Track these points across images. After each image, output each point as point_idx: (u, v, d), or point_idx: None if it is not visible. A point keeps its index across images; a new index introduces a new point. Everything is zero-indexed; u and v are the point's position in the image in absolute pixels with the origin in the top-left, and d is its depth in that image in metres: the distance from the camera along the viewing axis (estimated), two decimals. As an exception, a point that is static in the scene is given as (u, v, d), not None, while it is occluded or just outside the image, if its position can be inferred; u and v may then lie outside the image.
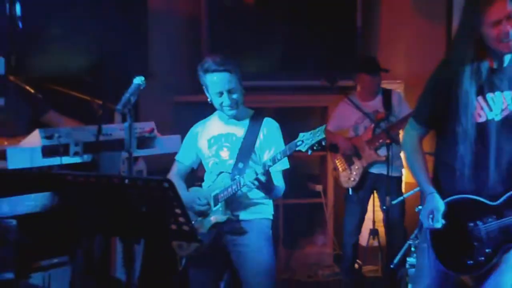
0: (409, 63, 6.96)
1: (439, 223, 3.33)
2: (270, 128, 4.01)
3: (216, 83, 3.90)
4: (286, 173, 6.77)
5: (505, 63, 3.34)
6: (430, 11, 7.01)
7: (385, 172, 5.69)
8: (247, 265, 3.94)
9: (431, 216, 3.35)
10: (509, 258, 3.41)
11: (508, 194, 3.36)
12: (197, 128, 4.22)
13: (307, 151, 3.55)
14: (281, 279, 6.41)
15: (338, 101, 6.23)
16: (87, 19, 6.04)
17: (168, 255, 4.21)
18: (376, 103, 6.00)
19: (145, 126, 4.55)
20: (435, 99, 3.41)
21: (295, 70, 6.95)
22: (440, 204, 3.36)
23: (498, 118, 3.33)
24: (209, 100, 4.02)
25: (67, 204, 3.41)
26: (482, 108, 3.32)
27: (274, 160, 3.67)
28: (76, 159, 4.09)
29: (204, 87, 4.01)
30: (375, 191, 6.15)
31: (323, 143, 3.54)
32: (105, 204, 3.16)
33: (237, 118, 4.04)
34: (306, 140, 3.55)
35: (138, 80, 3.58)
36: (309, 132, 3.56)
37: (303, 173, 7.31)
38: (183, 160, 4.23)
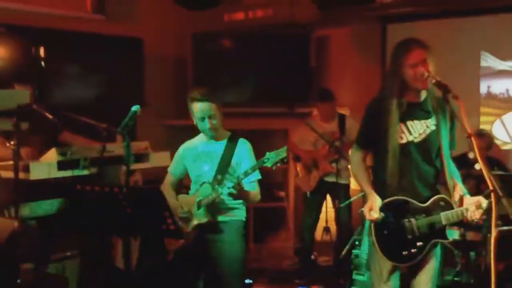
0: (353, 94, 7.01)
1: (377, 214, 3.37)
2: (243, 147, 4.00)
3: (199, 110, 3.88)
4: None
5: (422, 98, 3.46)
6: (368, 54, 7.08)
7: (335, 180, 5.73)
8: (223, 257, 3.91)
9: (371, 209, 3.39)
10: (434, 255, 3.51)
11: (434, 197, 3.43)
12: (185, 146, 4.18)
13: (272, 167, 3.59)
14: (251, 268, 6.40)
15: (296, 125, 6.26)
16: (96, 60, 6.09)
17: (159, 249, 4.19)
18: (333, 125, 6.02)
19: (141, 145, 4.56)
20: (370, 128, 3.52)
21: (262, 99, 6.97)
22: (377, 200, 3.42)
23: (416, 140, 3.43)
24: (194, 123, 4.00)
25: (77, 208, 3.40)
26: (403, 132, 3.42)
27: (245, 174, 3.68)
28: (85, 172, 4.09)
29: (190, 112, 3.98)
30: (328, 195, 6.15)
31: (285, 161, 3.57)
32: (107, 208, 3.16)
33: (217, 138, 4.01)
34: (271, 158, 3.58)
35: (135, 108, 3.61)
36: (274, 152, 3.59)
37: (269, 181, 7.32)
38: (174, 172, 4.19)
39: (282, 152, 3.57)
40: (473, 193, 4.98)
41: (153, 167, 4.73)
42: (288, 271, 6.40)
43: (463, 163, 5.36)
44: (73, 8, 6.14)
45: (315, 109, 6.32)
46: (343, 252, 5.25)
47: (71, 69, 6.09)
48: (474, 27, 6.42)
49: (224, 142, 4.02)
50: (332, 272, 5.92)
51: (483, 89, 6.43)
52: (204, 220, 3.87)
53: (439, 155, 3.45)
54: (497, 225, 4.58)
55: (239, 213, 4.04)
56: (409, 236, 3.40)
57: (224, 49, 7.21)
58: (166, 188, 4.09)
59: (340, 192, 5.84)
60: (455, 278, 5.15)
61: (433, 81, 3.33)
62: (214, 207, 3.88)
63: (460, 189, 3.50)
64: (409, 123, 3.43)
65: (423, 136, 3.44)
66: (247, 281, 5.31)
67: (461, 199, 3.46)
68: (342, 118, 6.03)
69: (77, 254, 4.40)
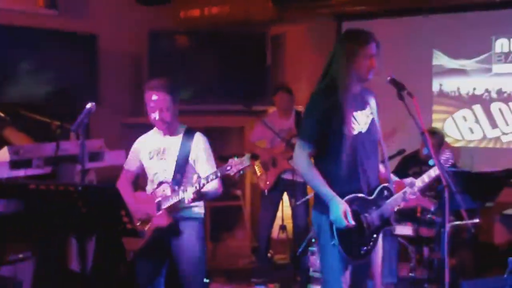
0: (309, 91, 6.95)
1: (352, 221, 3.27)
2: (200, 142, 3.92)
3: (151, 100, 3.80)
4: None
5: (358, 90, 3.47)
6: (324, 51, 7.09)
7: (292, 178, 5.75)
8: (183, 256, 3.87)
9: (346, 217, 3.27)
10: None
11: (378, 188, 3.45)
12: (140, 141, 4.08)
13: (234, 175, 3.54)
14: (208, 267, 6.38)
15: (253, 123, 6.27)
16: (49, 56, 5.99)
17: (116, 249, 4.14)
18: (290, 122, 6.04)
19: (95, 143, 4.49)
20: (319, 122, 3.38)
21: (219, 97, 6.96)
22: (346, 205, 3.30)
23: (364, 130, 3.44)
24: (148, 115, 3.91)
25: (30, 208, 3.33)
26: (353, 123, 3.40)
27: (207, 179, 3.62)
28: (38, 171, 4.01)
29: (145, 103, 3.88)
30: (285, 193, 6.16)
31: (248, 169, 3.60)
32: (62, 207, 3.10)
33: (171, 133, 3.92)
34: (234, 166, 3.53)
35: (89, 105, 3.54)
36: (237, 159, 3.53)
37: (225, 180, 7.30)
38: (129, 167, 4.07)
39: (245, 161, 3.52)
40: (426, 189, 5.11)
41: (108, 166, 4.67)
42: (245, 270, 6.41)
43: (416, 160, 5.47)
44: (24, 3, 6.01)
45: (272, 107, 6.33)
46: (300, 250, 5.28)
47: (23, 66, 5.96)
48: (427, 26, 6.53)
49: (179, 137, 3.93)
50: (289, 269, 5.95)
51: (435, 87, 6.56)
52: (164, 223, 3.79)
53: (380, 143, 3.50)
54: (449, 220, 4.71)
55: (198, 211, 3.99)
56: (367, 232, 3.39)
57: (180, 46, 7.18)
58: (123, 185, 3.99)
59: (297, 189, 5.86)
60: (410, 274, 5.24)
61: (388, 78, 3.38)
62: (174, 209, 3.81)
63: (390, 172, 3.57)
64: (355, 114, 3.42)
65: (367, 126, 3.46)
66: (204, 280, 5.29)
67: (395, 183, 3.54)
68: (298, 115, 6.06)
69: (30, 256, 4.30)
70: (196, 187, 3.62)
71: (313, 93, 3.50)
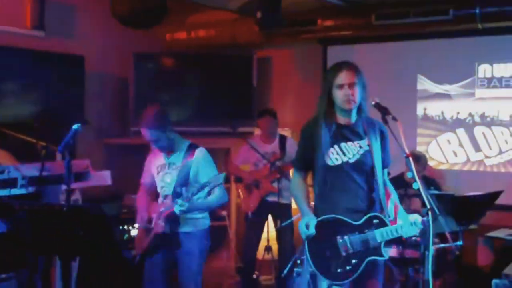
0: (295, 114, 7.08)
1: (313, 231, 3.39)
2: (199, 156, 4.18)
3: (147, 136, 4.12)
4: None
5: (353, 120, 3.51)
6: (309, 75, 7.19)
7: (277, 200, 5.76)
8: (181, 267, 4.16)
9: (306, 226, 3.41)
10: (376, 274, 3.52)
11: (367, 216, 3.45)
12: (149, 158, 4.37)
13: (209, 191, 3.90)
14: None
15: (238, 144, 6.28)
16: (35, 77, 5.98)
17: (101, 270, 4.15)
18: (274, 146, 6.06)
19: (81, 163, 4.50)
20: (305, 150, 3.58)
21: (205, 119, 6.97)
22: (312, 219, 3.43)
23: (351, 160, 3.47)
24: None
25: (14, 228, 3.31)
26: (338, 154, 3.47)
27: (192, 194, 3.89)
28: (23, 191, 4.00)
29: None
30: (270, 215, 6.16)
31: (222, 185, 3.92)
32: (47, 228, 3.08)
33: (175, 150, 4.21)
34: (211, 182, 3.82)
35: (76, 126, 3.59)
36: (214, 177, 3.86)
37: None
38: (144, 182, 4.37)
39: (220, 179, 3.84)
40: (409, 212, 5.11)
41: (93, 186, 4.67)
42: (230, 291, 6.38)
43: (401, 183, 5.49)
44: (12, 24, 6.01)
45: (257, 129, 6.34)
46: (285, 271, 5.27)
47: (10, 86, 5.95)
48: (411, 51, 6.61)
49: (182, 153, 4.22)
50: (274, 291, 5.94)
51: (419, 111, 6.61)
52: (159, 230, 4.05)
53: (373, 174, 3.49)
54: (434, 243, 4.72)
55: (201, 223, 4.24)
56: (343, 254, 3.40)
57: (166, 68, 7.19)
58: (140, 196, 4.32)
59: (282, 212, 5.86)
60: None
61: (373, 102, 3.41)
62: (173, 220, 4.05)
63: (397, 206, 3.54)
64: (343, 145, 3.48)
65: (357, 157, 3.48)
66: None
67: (398, 216, 3.49)
68: (283, 139, 6.08)
69: (13, 276, 4.27)
70: (185, 201, 3.90)
71: (307, 120, 3.65)
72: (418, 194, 3.57)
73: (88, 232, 2.99)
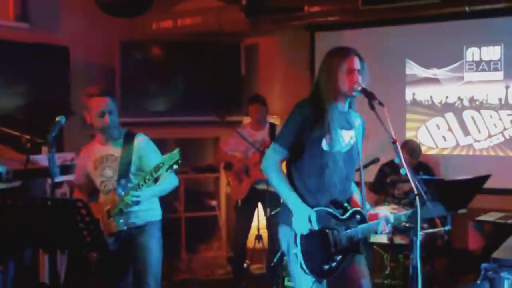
0: (283, 101, 7.07)
1: (317, 225, 3.21)
2: (140, 142, 3.94)
3: (98, 105, 3.82)
4: (186, 191, 6.75)
5: (346, 108, 3.46)
6: (297, 61, 7.17)
7: (267, 188, 5.75)
8: (140, 262, 3.89)
9: (308, 221, 3.21)
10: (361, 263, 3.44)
11: (351, 210, 3.39)
12: (82, 154, 4.10)
13: (167, 170, 3.51)
14: (183, 279, 6.36)
15: (227, 133, 6.26)
16: (20, 69, 5.94)
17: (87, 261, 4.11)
18: (264, 133, 6.04)
19: (67, 156, 4.47)
20: (299, 130, 3.34)
21: (193, 108, 6.94)
22: (312, 211, 3.24)
23: (344, 150, 3.41)
24: (89, 122, 3.91)
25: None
26: (334, 141, 3.35)
27: (144, 180, 3.62)
28: (6, 185, 3.97)
29: (86, 111, 3.88)
30: (260, 203, 6.15)
31: (179, 162, 3.45)
32: (31, 221, 3.06)
33: (114, 138, 3.94)
34: (166, 163, 3.49)
35: (60, 118, 3.54)
36: (167, 155, 3.50)
37: (201, 191, 7.31)
38: (78, 181, 4.10)
39: (175, 155, 3.47)
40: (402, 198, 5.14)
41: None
42: (221, 280, 6.40)
43: (394, 168, 5.52)
44: (-5, 16, 5.97)
45: (246, 118, 6.33)
46: (275, 260, 5.27)
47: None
48: (399, 36, 6.60)
49: (120, 142, 3.94)
50: (265, 279, 5.94)
51: (408, 96, 6.62)
52: (116, 229, 3.77)
53: (357, 166, 3.47)
54: (422, 228, 4.74)
55: (154, 214, 4.01)
56: (332, 250, 3.30)
57: (153, 57, 7.15)
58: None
59: (271, 200, 5.86)
60: (385, 281, 5.25)
61: (359, 88, 3.38)
62: (126, 215, 3.79)
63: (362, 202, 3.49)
64: (339, 131, 3.39)
65: (348, 146, 3.44)
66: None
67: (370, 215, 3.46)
68: (272, 127, 6.06)
69: (0, 270, 4.25)
70: (136, 189, 3.64)
71: (299, 102, 3.43)
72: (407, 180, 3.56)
73: (73, 225, 2.98)
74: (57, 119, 3.52)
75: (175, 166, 3.48)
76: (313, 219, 3.21)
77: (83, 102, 3.89)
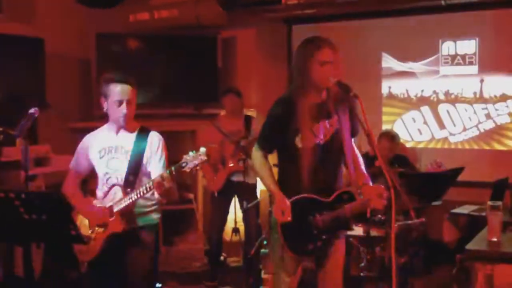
0: (260, 94, 7.07)
1: (290, 217, 3.39)
2: (154, 141, 3.78)
3: (119, 92, 3.64)
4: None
5: (323, 98, 3.49)
6: (274, 54, 7.17)
7: (243, 180, 5.75)
8: (136, 263, 3.73)
9: (283, 213, 3.39)
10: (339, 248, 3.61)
11: (337, 192, 3.49)
12: (88, 138, 3.88)
13: (191, 171, 3.41)
14: (161, 271, 6.34)
15: (204, 126, 6.25)
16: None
17: (66, 256, 4.03)
18: (239, 125, 6.03)
19: (41, 148, 4.43)
20: (276, 129, 3.48)
21: (170, 101, 6.92)
22: (287, 201, 3.41)
23: (322, 141, 3.47)
24: (105, 109, 3.73)
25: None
26: (309, 135, 3.43)
27: (163, 178, 3.45)
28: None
29: (104, 97, 3.69)
30: (236, 196, 6.15)
31: (206, 163, 3.42)
32: (5, 215, 3.02)
33: (127, 130, 3.77)
34: (189, 161, 3.40)
35: (33, 110, 3.49)
36: (192, 154, 3.40)
37: (178, 183, 7.25)
38: (77, 168, 3.87)
39: (202, 155, 3.39)
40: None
41: (56, 171, 4.61)
42: (198, 273, 6.39)
43: (369, 161, 5.55)
44: (-32, 7, 5.88)
45: (223, 110, 6.32)
46: (252, 252, 5.29)
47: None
48: (375, 29, 6.62)
49: (133, 136, 3.78)
50: (242, 272, 5.95)
51: (384, 89, 6.65)
52: (118, 229, 3.63)
53: (343, 152, 3.51)
54: (397, 220, 4.78)
55: (154, 216, 3.86)
56: (315, 231, 3.47)
57: (129, 49, 7.10)
58: (71, 189, 3.82)
59: (248, 192, 5.86)
60: (361, 273, 5.29)
61: (335, 80, 3.40)
62: (128, 214, 3.66)
63: (363, 178, 3.58)
64: (313, 126, 3.45)
65: (327, 137, 3.48)
66: (156, 285, 5.26)
67: (364, 188, 3.51)
68: (248, 119, 6.06)
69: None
70: (146, 189, 3.50)
71: (276, 100, 3.53)
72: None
73: (48, 218, 2.95)
74: (30, 111, 3.47)
75: (199, 167, 3.42)
76: (288, 210, 3.38)
77: (100, 87, 3.72)
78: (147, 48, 7.08)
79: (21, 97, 5.91)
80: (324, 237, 3.49)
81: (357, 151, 3.68)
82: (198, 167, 3.42)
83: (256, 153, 3.61)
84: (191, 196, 6.97)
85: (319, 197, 3.47)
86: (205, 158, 3.39)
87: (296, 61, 3.49)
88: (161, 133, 6.70)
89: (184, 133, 7.23)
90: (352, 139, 3.63)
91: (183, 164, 3.41)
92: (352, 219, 3.52)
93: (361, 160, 3.67)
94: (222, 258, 6.34)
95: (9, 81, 5.99)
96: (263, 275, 5.19)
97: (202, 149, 3.41)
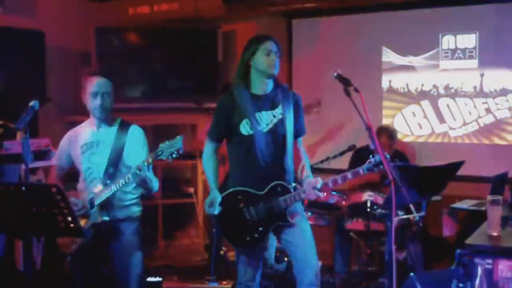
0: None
1: (217, 210, 3.60)
2: (135, 135, 3.88)
3: (95, 84, 3.79)
4: (163, 178, 6.71)
5: (269, 90, 3.67)
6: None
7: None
8: (121, 258, 3.82)
9: (211, 205, 3.62)
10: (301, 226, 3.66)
11: (271, 184, 3.61)
12: (70, 135, 4.00)
13: (167, 158, 3.46)
14: (160, 266, 6.35)
15: (204, 120, 6.25)
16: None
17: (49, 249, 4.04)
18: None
19: (42, 142, 4.43)
20: (222, 120, 3.66)
21: (169, 95, 6.92)
22: (217, 196, 3.63)
23: (264, 130, 3.61)
24: (84, 101, 3.88)
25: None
26: (252, 124, 3.57)
27: (139, 168, 3.52)
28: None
29: (83, 90, 3.86)
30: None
31: (181, 151, 3.45)
32: (5, 208, 3.03)
33: (107, 124, 3.87)
34: (165, 150, 3.45)
35: (33, 103, 3.49)
36: (168, 143, 3.47)
37: (178, 178, 7.28)
38: (61, 165, 4.00)
39: (177, 143, 3.45)
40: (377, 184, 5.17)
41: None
42: (198, 267, 6.39)
43: (368, 153, 5.53)
44: (-33, 0, 5.87)
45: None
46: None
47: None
48: (376, 23, 6.60)
49: (114, 130, 3.86)
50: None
51: (384, 83, 6.64)
52: (99, 220, 3.70)
53: (285, 143, 3.63)
54: (397, 214, 4.78)
55: (135, 209, 3.93)
56: (250, 223, 3.60)
57: (129, 43, 7.08)
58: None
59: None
60: (362, 268, 5.30)
61: (335, 74, 3.42)
62: (109, 205, 3.74)
63: (305, 171, 3.73)
64: (257, 114, 3.60)
65: (271, 126, 3.61)
66: (156, 279, 5.26)
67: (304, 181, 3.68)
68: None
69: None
70: (129, 177, 3.57)
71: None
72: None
73: (48, 211, 2.95)
74: (30, 104, 3.47)
75: (175, 155, 3.46)
76: (215, 203, 3.61)
77: (81, 82, 3.88)
78: (147, 42, 7.07)
79: (21, 90, 5.91)
80: (260, 229, 3.60)
81: (302, 149, 3.81)
82: (174, 155, 3.47)
83: (206, 147, 3.80)
84: (191, 190, 6.97)
85: (253, 190, 3.60)
86: (180, 146, 3.46)
87: (244, 54, 3.67)
88: (161, 127, 6.73)
89: (184, 127, 7.23)
90: (299, 138, 3.79)
91: (159, 153, 3.48)
92: (288, 212, 3.60)
93: (303, 152, 3.80)
94: (222, 252, 6.34)
95: (9, 74, 5.99)
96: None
97: (178, 137, 3.48)
